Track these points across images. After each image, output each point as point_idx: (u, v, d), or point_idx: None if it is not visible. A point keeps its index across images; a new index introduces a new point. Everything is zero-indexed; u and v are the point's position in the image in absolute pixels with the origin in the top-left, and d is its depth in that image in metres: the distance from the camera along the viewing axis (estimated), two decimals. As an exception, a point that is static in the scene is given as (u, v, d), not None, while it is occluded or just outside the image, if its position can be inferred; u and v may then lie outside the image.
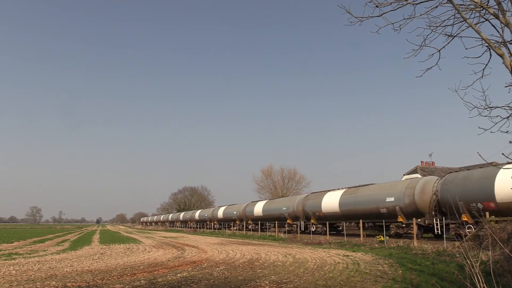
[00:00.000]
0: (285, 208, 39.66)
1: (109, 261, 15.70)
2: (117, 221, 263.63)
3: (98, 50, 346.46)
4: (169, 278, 10.74)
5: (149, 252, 20.73)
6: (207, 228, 64.02)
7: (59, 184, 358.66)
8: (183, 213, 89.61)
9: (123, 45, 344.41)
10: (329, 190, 33.80)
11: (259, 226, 42.81)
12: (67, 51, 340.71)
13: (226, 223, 57.30)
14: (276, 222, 39.07)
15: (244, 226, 48.38)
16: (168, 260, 16.16)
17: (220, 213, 60.22)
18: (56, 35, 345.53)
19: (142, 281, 10.35)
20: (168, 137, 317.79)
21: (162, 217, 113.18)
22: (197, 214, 74.42)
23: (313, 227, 33.81)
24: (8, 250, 22.44)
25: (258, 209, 46.30)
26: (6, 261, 15.90)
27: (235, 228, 53.20)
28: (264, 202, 47.02)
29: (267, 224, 45.29)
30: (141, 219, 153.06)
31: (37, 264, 14.46)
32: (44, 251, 21.72)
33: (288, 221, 38.81)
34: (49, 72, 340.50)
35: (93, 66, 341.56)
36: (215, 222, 62.40)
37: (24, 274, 11.74)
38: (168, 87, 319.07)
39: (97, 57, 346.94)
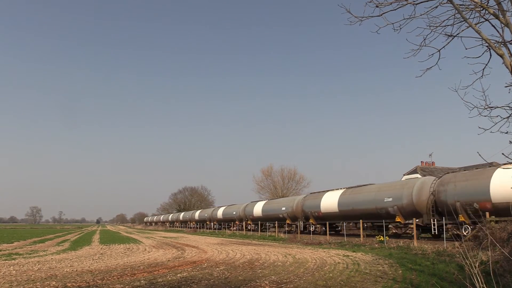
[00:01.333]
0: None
1: (109, 261, 15.70)
2: (117, 221, 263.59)
3: (98, 50, 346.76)
4: (169, 278, 10.74)
5: (149, 252, 20.73)
6: (207, 228, 64.12)
7: (59, 184, 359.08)
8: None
9: (123, 45, 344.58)
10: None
11: (259, 226, 43.06)
12: (67, 51, 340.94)
13: (225, 223, 57.64)
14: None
15: (244, 226, 48.79)
16: (168, 260, 16.17)
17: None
18: (56, 35, 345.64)
19: (142, 281, 10.35)
20: (168, 137, 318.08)
21: (163, 217, 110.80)
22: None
23: (312, 227, 33.60)
24: (8, 250, 22.44)
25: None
26: (6, 261, 15.90)
27: (234, 228, 53.58)
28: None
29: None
30: (145, 219, 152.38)
31: (37, 264, 14.46)
32: (44, 251, 21.72)
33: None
34: (49, 72, 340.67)
35: (93, 66, 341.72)
36: (214, 222, 62.92)
37: (24, 274, 11.74)
38: (168, 87, 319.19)
39: (97, 57, 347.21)
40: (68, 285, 9.82)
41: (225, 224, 58.07)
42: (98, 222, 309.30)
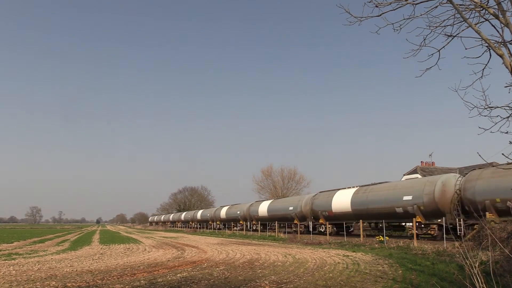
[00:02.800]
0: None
1: (109, 261, 15.70)
2: (117, 221, 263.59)
3: (98, 49, 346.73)
4: (169, 278, 10.74)
5: (149, 252, 20.73)
6: (208, 228, 61.77)
7: (59, 184, 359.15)
8: (200, 211, 76.95)
9: (123, 43, 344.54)
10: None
11: (265, 226, 40.44)
12: (67, 51, 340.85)
13: (228, 223, 54.64)
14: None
15: (248, 226, 46.13)
16: (168, 260, 16.17)
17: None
18: (56, 35, 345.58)
19: (142, 281, 10.35)
20: (168, 137, 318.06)
21: (172, 216, 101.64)
22: (199, 214, 71.77)
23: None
24: (8, 250, 22.43)
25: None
26: (6, 261, 15.90)
27: (238, 228, 49.52)
28: (269, 202, 44.30)
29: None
30: (150, 219, 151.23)
31: (37, 264, 14.46)
32: (44, 251, 21.72)
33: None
34: (49, 71, 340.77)
35: (93, 66, 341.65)
36: (217, 222, 59.57)
37: (24, 274, 11.74)
38: (168, 86, 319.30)
39: (97, 56, 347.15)
40: (68, 285, 9.82)
41: (228, 224, 53.34)
42: (98, 222, 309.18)
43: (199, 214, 72.66)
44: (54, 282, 10.20)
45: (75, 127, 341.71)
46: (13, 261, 15.94)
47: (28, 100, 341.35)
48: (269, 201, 44.29)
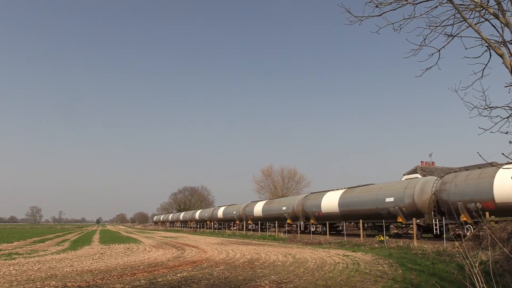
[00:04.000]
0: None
1: (109, 261, 15.70)
2: (117, 221, 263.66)
3: (98, 50, 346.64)
4: (169, 278, 10.74)
5: (149, 252, 20.73)
6: (207, 228, 62.78)
7: (59, 184, 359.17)
8: (223, 208, 63.54)
9: (123, 45, 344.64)
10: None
11: (259, 226, 42.15)
12: (67, 51, 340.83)
13: (225, 223, 56.61)
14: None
15: (244, 226, 47.76)
16: (168, 260, 16.17)
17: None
18: (56, 35, 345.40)
19: (142, 281, 10.35)
20: (168, 137, 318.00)
21: (183, 215, 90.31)
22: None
23: (313, 227, 32.78)
24: (8, 250, 22.44)
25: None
26: (6, 261, 15.90)
27: (234, 228, 51.93)
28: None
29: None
30: (155, 218, 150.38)
31: (37, 264, 14.46)
32: (44, 251, 21.73)
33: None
34: (49, 72, 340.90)
35: (93, 66, 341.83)
36: (215, 222, 61.48)
37: (24, 274, 11.74)
38: (168, 87, 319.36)
39: (97, 57, 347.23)
40: (68, 284, 9.82)
41: (225, 224, 55.79)
42: (98, 222, 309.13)
43: (220, 211, 61.11)
44: (54, 282, 10.20)
45: (76, 126, 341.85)
46: (13, 260, 15.95)
47: (28, 100, 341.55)
48: (339, 191, 31.24)
